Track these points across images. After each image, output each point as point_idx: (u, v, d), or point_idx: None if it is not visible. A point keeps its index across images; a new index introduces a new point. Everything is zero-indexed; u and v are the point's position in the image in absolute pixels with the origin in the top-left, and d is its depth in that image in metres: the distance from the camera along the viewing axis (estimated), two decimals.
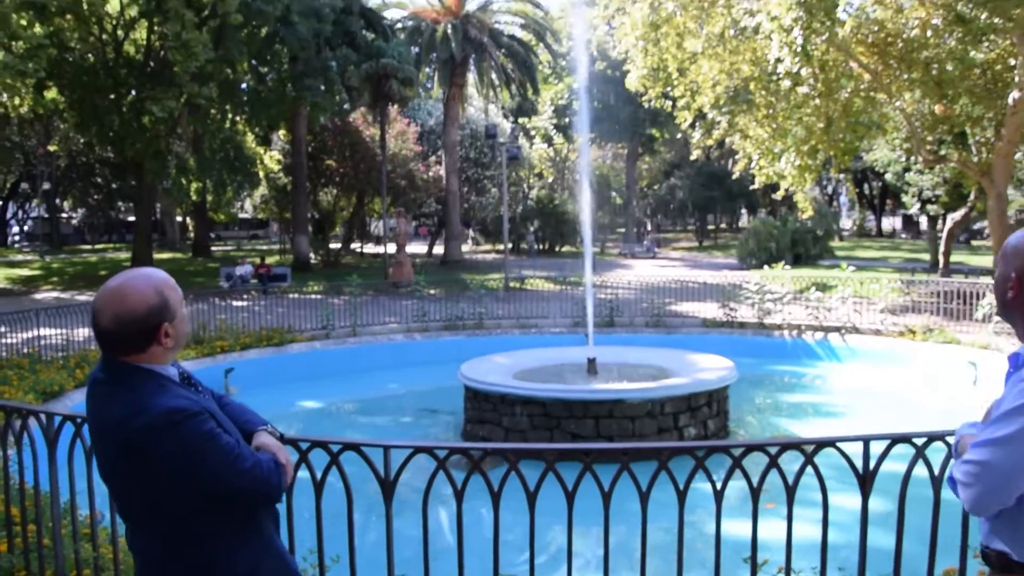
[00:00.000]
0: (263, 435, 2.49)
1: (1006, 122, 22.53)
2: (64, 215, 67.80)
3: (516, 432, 10.31)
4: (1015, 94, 21.35)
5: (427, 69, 40.54)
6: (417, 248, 49.38)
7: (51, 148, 44.43)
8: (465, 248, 47.34)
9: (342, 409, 13.83)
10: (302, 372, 15.51)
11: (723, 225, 71.42)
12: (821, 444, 3.25)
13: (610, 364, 11.81)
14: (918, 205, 37.83)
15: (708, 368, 11.47)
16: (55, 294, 29.03)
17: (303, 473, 3.26)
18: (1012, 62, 22.08)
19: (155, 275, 2.34)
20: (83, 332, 15.76)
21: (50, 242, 54.69)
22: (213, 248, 51.78)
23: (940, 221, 37.22)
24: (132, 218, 60.63)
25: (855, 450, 3.34)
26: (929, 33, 22.08)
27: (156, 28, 29.17)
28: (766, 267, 22.24)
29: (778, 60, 18.57)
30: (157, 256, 38.17)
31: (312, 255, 38.22)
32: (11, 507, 4.51)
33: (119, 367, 2.28)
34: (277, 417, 12.81)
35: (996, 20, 19.08)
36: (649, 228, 63.90)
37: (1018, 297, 2.11)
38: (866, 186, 66.90)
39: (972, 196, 29.87)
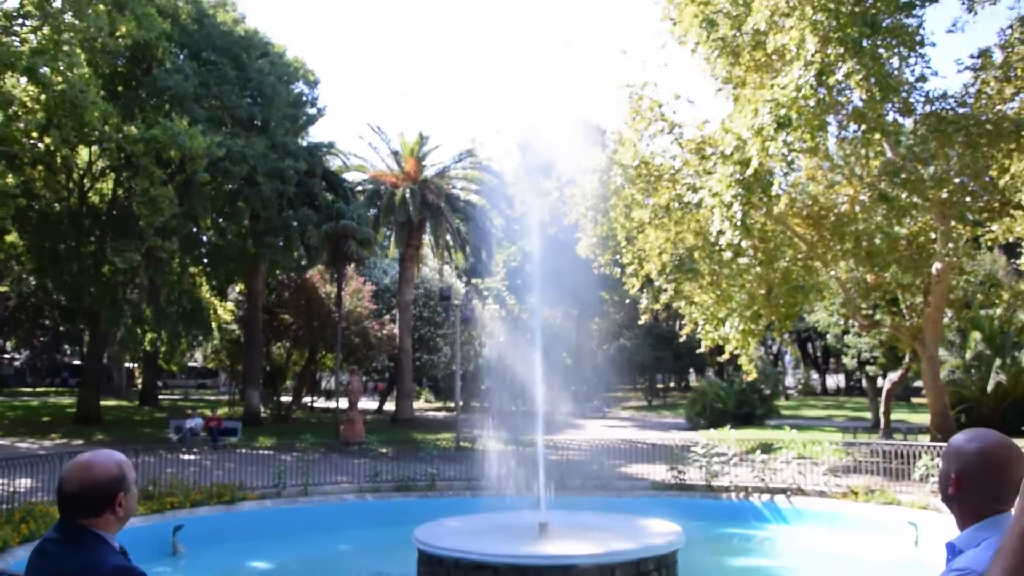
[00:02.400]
0: None
1: (932, 290, 23.94)
2: (6, 355, 66.46)
3: None
4: (937, 265, 22.83)
5: (384, 230, 41.77)
6: (368, 404, 49.19)
7: (1, 289, 44.28)
8: (416, 405, 47.31)
9: (293, 571, 13.66)
10: (253, 531, 15.34)
11: (672, 384, 72.39)
12: None
13: (561, 528, 11.99)
14: (857, 365, 39.13)
15: (657, 533, 11.72)
16: None
17: None
18: (933, 235, 23.67)
19: (116, 454, 2.81)
20: (26, 483, 15.46)
21: None
22: (161, 396, 50.98)
23: (880, 380, 38.47)
24: (77, 361, 59.67)
25: None
26: (858, 208, 23.74)
27: (124, 181, 29.98)
28: (712, 429, 22.75)
29: (720, 233, 19.62)
30: (104, 403, 37.42)
31: (263, 408, 37.97)
32: None
33: (75, 529, 2.67)
34: None
35: (915, 199, 20.62)
36: (599, 388, 64.43)
37: (957, 495, 2.43)
38: (809, 345, 68.85)
39: (907, 358, 31.14)
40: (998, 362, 31.18)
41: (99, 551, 2.61)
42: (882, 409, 31.45)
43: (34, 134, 25.84)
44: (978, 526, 2.38)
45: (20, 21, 24.29)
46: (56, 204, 31.31)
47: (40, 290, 40.35)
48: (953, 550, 2.41)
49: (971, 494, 2.41)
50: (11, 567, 10.96)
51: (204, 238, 35.02)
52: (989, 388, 30.81)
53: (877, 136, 19.79)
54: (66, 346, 63.51)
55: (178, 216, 27.99)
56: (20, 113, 25.05)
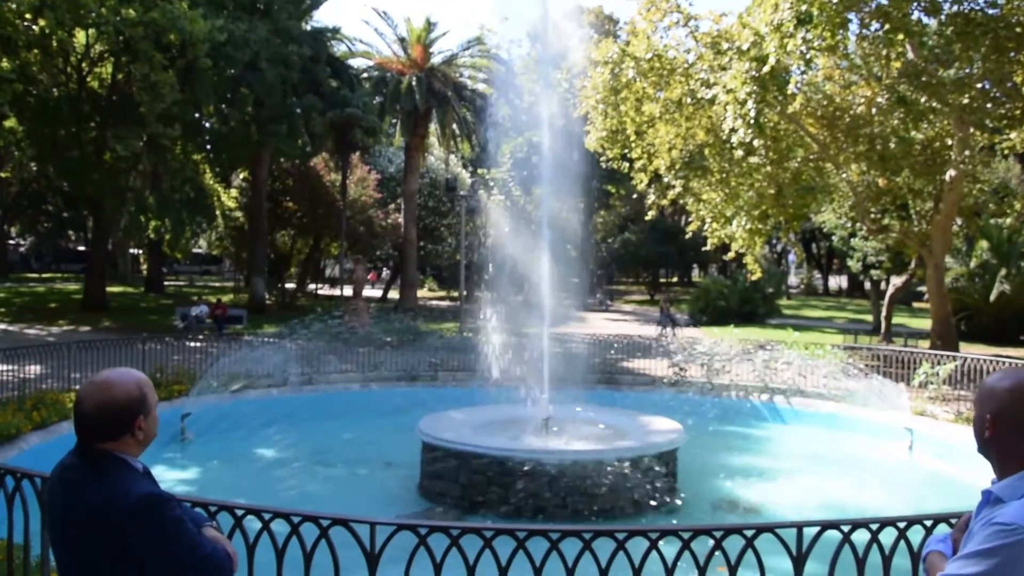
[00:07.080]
0: (209, 530, 2.74)
1: (944, 197, 23.65)
2: (11, 241, 66.52)
3: (472, 488, 10.60)
4: (951, 172, 22.48)
5: (390, 118, 41.10)
6: (372, 292, 49.47)
7: (2, 175, 43.85)
8: (420, 294, 47.61)
9: (298, 459, 13.90)
10: (258, 419, 15.54)
11: (675, 279, 72.62)
12: (760, 529, 3.66)
13: (564, 423, 12.17)
14: (862, 269, 39.12)
15: (659, 430, 11.91)
16: (2, 327, 28.47)
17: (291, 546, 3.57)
18: (949, 141, 23.23)
19: (137, 373, 2.67)
20: (35, 369, 15.64)
21: None
22: (166, 282, 51.26)
23: (884, 284, 38.52)
24: (82, 247, 59.78)
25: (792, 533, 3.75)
26: (874, 111, 23.19)
27: (124, 66, 29.30)
28: (715, 326, 22.87)
29: (732, 130, 19.25)
30: (109, 290, 37.59)
31: (267, 296, 38.19)
32: None
33: (95, 453, 2.53)
34: (234, 466, 12.85)
35: (934, 103, 20.13)
36: (603, 281, 64.70)
37: (994, 437, 2.28)
38: (814, 246, 68.77)
39: (913, 264, 31.10)
40: (1003, 271, 31.15)
41: (124, 478, 2.48)
42: (884, 313, 31.64)
43: (27, 16, 25.02)
44: (1022, 474, 2.23)
45: None
46: (54, 89, 30.62)
47: (42, 176, 39.87)
48: (990, 497, 2.27)
49: (1009, 435, 2.27)
50: (25, 453, 11.14)
51: (207, 125, 34.46)
52: (992, 297, 30.88)
53: (900, 36, 19.10)
54: (71, 232, 63.39)
55: (180, 102, 27.47)
56: None
